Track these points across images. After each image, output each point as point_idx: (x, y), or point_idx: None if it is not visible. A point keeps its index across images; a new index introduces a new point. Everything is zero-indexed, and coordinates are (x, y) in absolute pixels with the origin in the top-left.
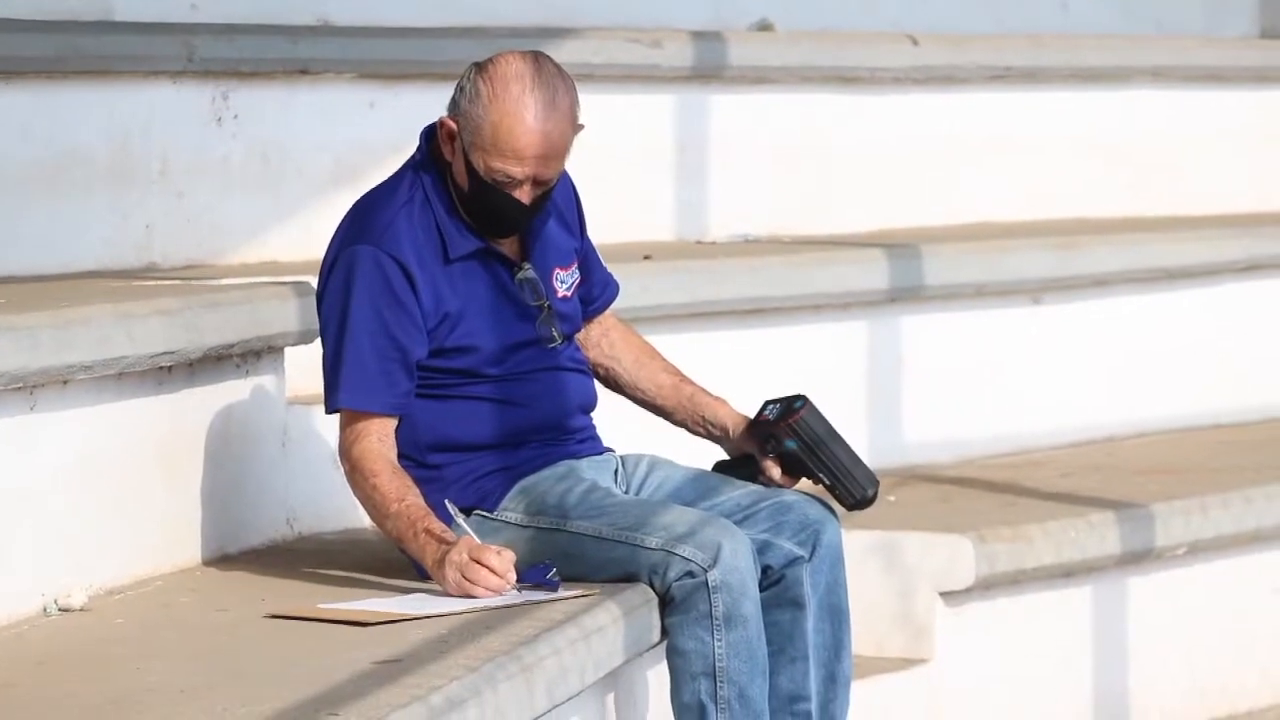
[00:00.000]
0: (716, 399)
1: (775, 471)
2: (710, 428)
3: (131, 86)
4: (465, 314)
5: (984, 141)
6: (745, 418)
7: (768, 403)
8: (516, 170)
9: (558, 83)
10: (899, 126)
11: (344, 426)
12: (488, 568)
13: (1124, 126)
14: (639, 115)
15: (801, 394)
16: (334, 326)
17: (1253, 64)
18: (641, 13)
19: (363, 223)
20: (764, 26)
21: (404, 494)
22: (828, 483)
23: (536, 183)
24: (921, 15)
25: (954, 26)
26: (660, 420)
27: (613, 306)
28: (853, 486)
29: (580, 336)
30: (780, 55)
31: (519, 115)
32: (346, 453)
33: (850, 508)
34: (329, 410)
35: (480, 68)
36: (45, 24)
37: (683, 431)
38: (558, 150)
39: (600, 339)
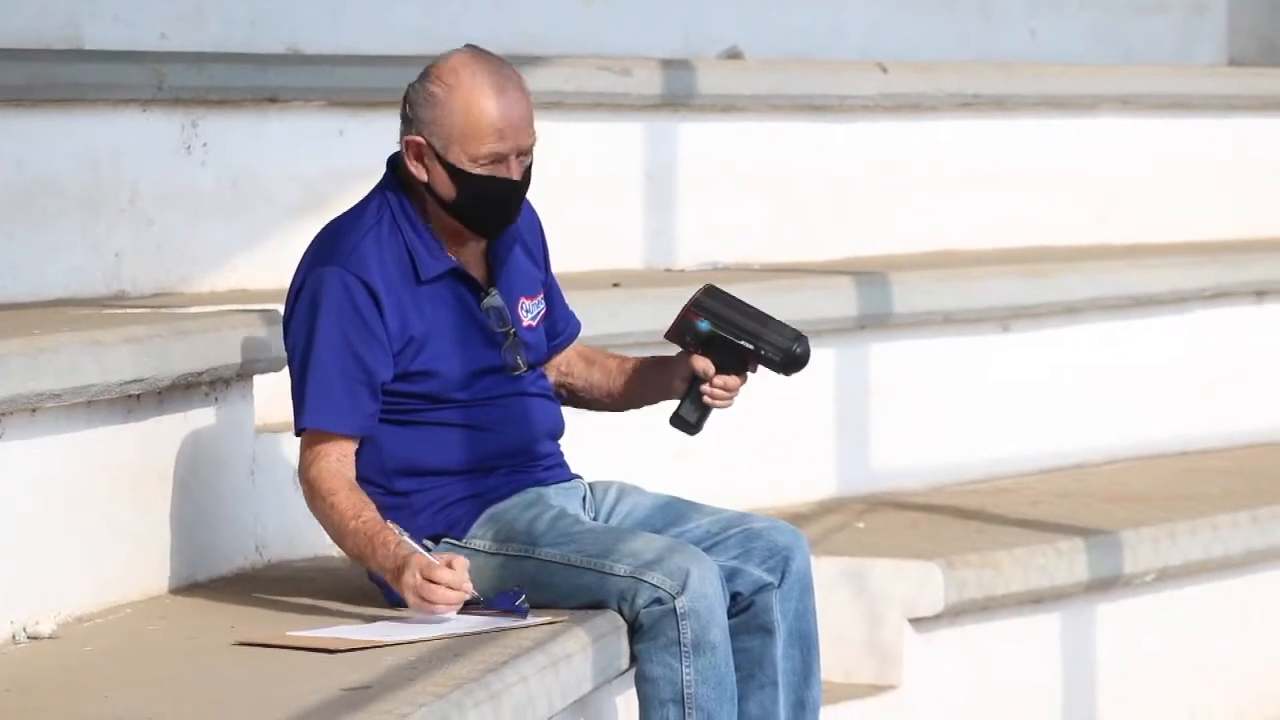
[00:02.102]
0: (655, 357)
1: (704, 364)
2: (653, 375)
3: (101, 115)
4: (431, 338)
5: (953, 169)
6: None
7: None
8: (502, 146)
9: (495, 58)
10: (868, 154)
11: (305, 448)
12: (443, 584)
13: (1093, 154)
14: (608, 143)
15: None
16: (300, 348)
17: (1221, 92)
18: (611, 41)
19: (329, 246)
20: (733, 55)
21: (360, 510)
22: (753, 348)
23: (520, 153)
24: (890, 43)
25: (923, 54)
26: (628, 446)
27: (581, 336)
28: (779, 341)
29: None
30: (749, 83)
31: (483, 94)
32: (304, 473)
33: (785, 367)
34: (297, 432)
35: (424, 76)
36: (15, 52)
37: (651, 457)
38: (527, 115)
39: (559, 364)
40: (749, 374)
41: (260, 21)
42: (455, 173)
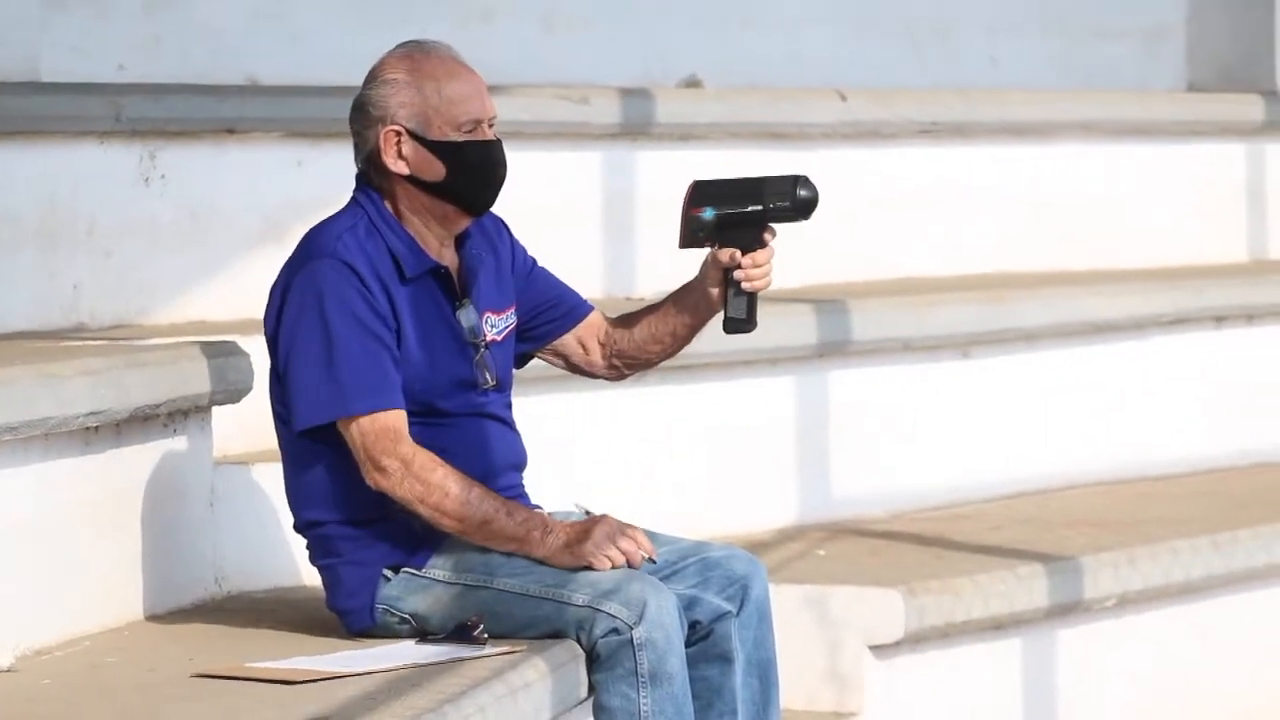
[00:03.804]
0: (678, 290)
1: (728, 253)
2: (688, 297)
3: (59, 146)
4: (408, 335)
5: (912, 195)
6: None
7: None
8: (481, 109)
9: (430, 40)
10: (827, 181)
11: (365, 432)
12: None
13: (1053, 180)
14: (567, 172)
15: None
16: (313, 342)
17: (1181, 118)
18: (570, 70)
19: (312, 245)
20: (692, 83)
21: (473, 480)
22: (762, 208)
23: (490, 121)
24: (850, 70)
25: (882, 81)
26: (588, 475)
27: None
28: (783, 190)
29: (588, 360)
30: (708, 112)
31: (445, 66)
32: (386, 455)
33: (800, 212)
34: (338, 419)
35: (372, 78)
36: None
37: (610, 486)
38: (484, 85)
39: (604, 342)
40: (770, 239)
41: (218, 52)
42: (441, 147)
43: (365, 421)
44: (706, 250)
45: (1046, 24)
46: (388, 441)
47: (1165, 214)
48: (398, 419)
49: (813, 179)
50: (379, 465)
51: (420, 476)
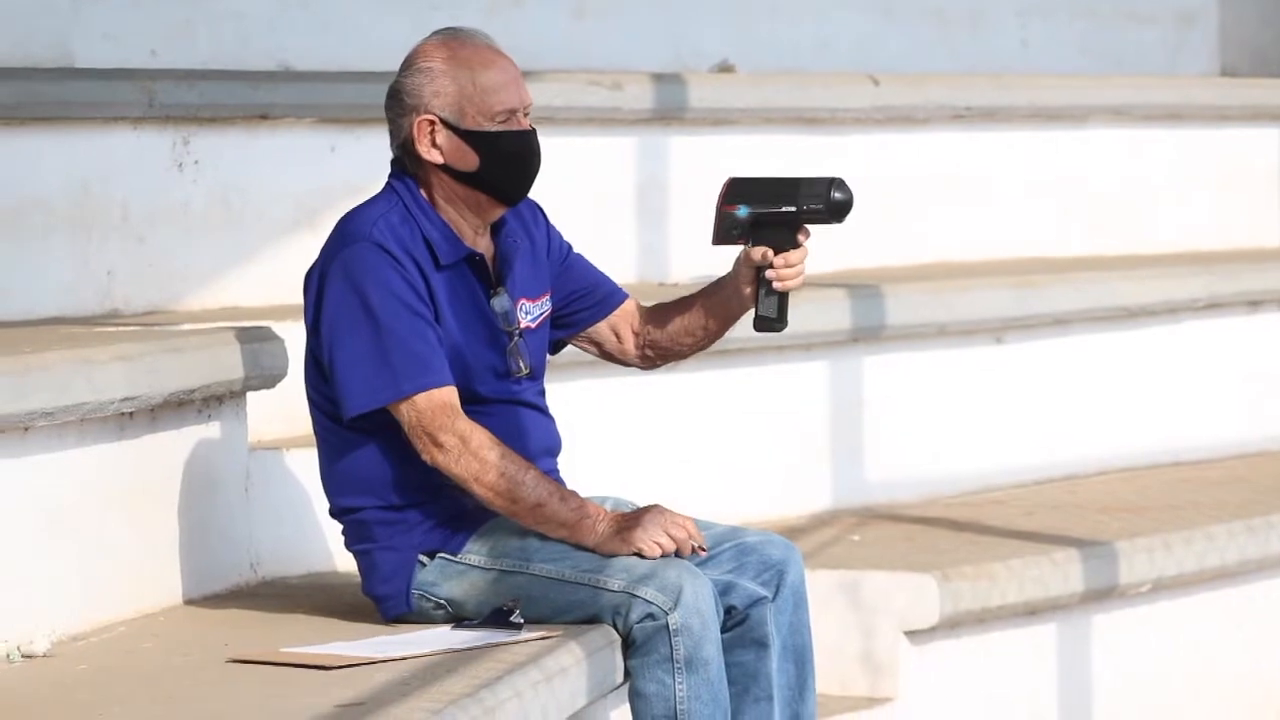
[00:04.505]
0: (711, 284)
1: (760, 251)
2: (721, 292)
3: (92, 133)
4: (444, 322)
5: (945, 181)
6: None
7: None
8: (516, 98)
9: (467, 28)
10: (860, 166)
11: (421, 412)
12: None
13: (1084, 165)
14: (600, 158)
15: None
16: (358, 327)
17: (1213, 102)
18: (602, 56)
19: (348, 230)
20: (724, 68)
21: (528, 463)
22: (796, 209)
23: (525, 110)
24: (882, 55)
25: (914, 66)
26: (624, 461)
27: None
28: (818, 192)
29: (622, 348)
30: (741, 97)
31: (481, 55)
32: (443, 433)
33: (834, 214)
34: (393, 402)
35: (408, 65)
36: (4, 71)
37: (646, 472)
38: (520, 73)
39: (638, 331)
40: (804, 240)
41: (250, 38)
42: (475, 137)
43: (421, 400)
44: (740, 247)
45: (1077, 8)
46: (445, 418)
47: (1197, 199)
48: (452, 395)
49: (848, 182)
50: (437, 441)
51: (478, 454)
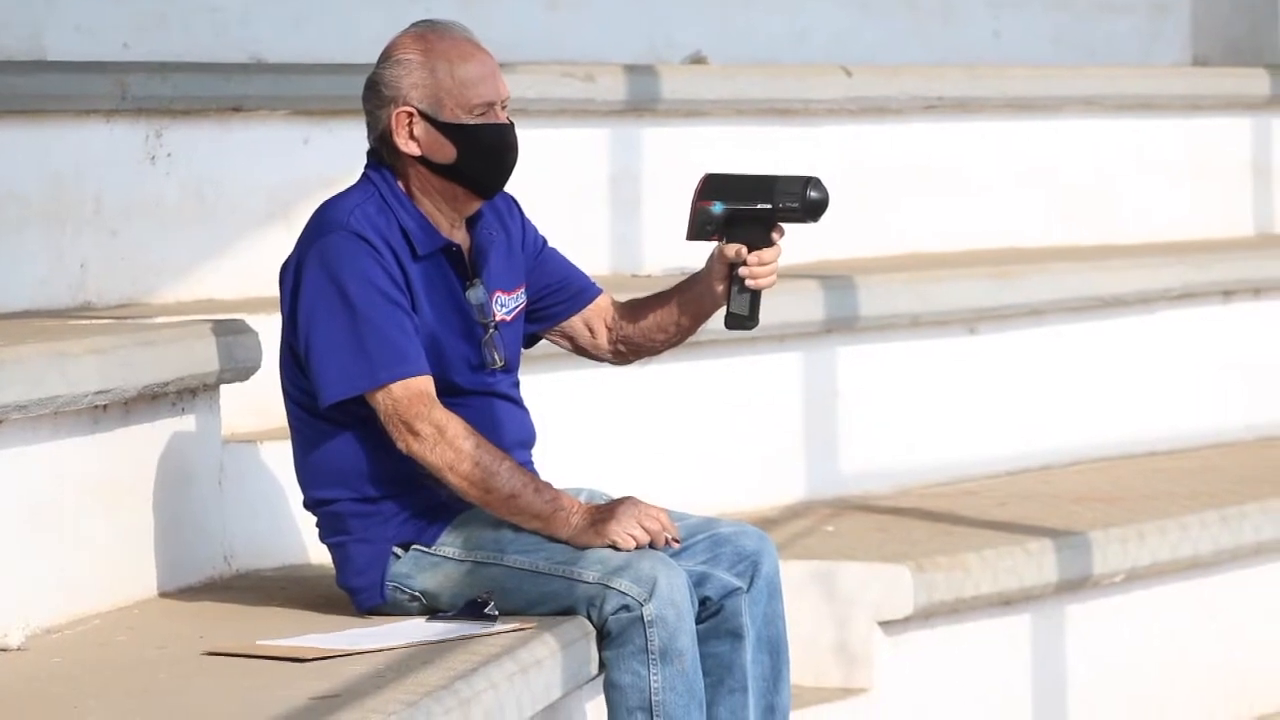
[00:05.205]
0: (684, 281)
1: (734, 248)
2: (694, 288)
3: (65, 125)
4: (420, 313)
5: (918, 171)
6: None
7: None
8: (494, 91)
9: (446, 20)
10: (833, 158)
11: (397, 400)
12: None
13: (1057, 155)
14: (573, 149)
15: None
16: (335, 315)
17: (1185, 92)
18: (575, 47)
19: (325, 219)
20: (697, 60)
21: (504, 454)
22: (771, 207)
23: (503, 103)
24: (854, 47)
25: (887, 57)
26: (596, 453)
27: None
28: (793, 190)
29: (594, 343)
30: (713, 88)
31: (459, 47)
32: (418, 421)
33: (809, 214)
34: (370, 390)
35: (385, 57)
36: None
37: (619, 463)
38: (497, 66)
39: (611, 327)
40: (778, 239)
41: (223, 30)
42: (453, 129)
43: (397, 388)
44: (714, 243)
45: None
46: (421, 407)
47: (1170, 189)
48: (428, 384)
49: (822, 176)
50: (413, 430)
51: (453, 444)
